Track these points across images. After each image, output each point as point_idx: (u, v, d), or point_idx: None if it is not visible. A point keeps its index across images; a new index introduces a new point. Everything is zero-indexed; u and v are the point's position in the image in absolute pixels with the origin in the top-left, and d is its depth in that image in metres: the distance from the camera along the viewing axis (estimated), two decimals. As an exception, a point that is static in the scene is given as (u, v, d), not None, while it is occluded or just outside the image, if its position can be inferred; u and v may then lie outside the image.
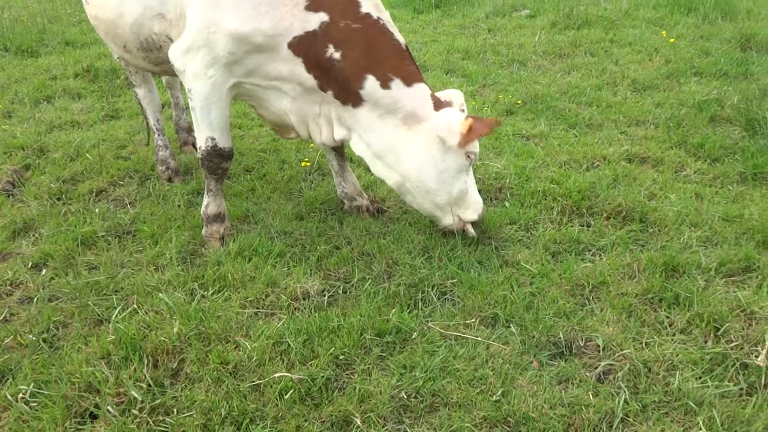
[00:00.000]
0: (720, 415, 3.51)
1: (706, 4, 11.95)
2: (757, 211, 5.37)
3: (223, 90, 4.86)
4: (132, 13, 5.18)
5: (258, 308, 4.51)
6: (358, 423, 3.57)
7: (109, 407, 3.65)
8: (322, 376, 3.84)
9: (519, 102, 8.21)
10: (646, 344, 4.07)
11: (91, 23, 5.89)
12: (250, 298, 4.57)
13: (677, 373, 3.80)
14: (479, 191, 5.78)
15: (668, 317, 4.30)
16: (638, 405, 3.62)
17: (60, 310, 4.56)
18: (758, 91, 7.73)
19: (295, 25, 4.63)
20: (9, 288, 4.90)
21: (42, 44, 11.81)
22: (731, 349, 3.98)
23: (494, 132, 4.74)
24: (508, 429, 3.54)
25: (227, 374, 3.88)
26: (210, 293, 4.64)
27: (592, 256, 5.03)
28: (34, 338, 4.27)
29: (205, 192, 5.35)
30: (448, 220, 5.15)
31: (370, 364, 3.98)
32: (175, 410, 3.67)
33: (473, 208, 5.10)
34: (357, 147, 5.09)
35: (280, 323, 4.29)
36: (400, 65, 4.81)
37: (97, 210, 5.88)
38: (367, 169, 5.80)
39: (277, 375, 3.82)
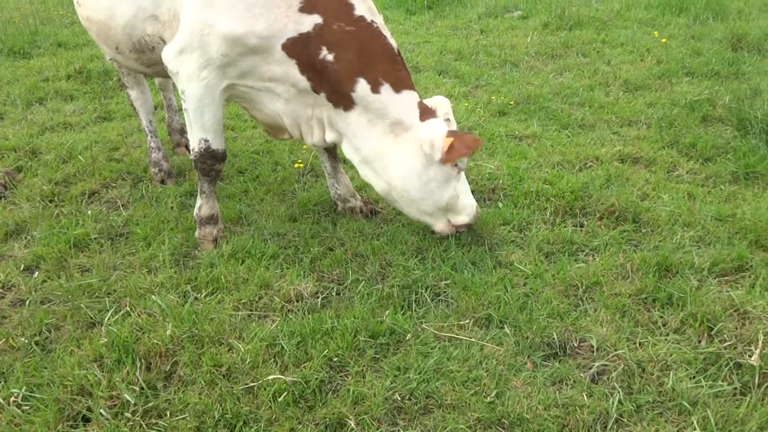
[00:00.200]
0: (714, 414, 3.51)
1: (698, 4, 11.99)
2: (750, 210, 5.38)
3: (217, 92, 4.85)
4: (124, 14, 5.17)
5: (251, 310, 4.50)
6: (352, 425, 3.56)
7: (101, 410, 3.63)
8: (316, 378, 3.83)
9: (511, 103, 8.21)
10: (639, 344, 4.08)
11: (83, 25, 5.87)
12: (243, 300, 4.56)
13: (671, 373, 3.81)
14: (471, 192, 5.80)
15: (662, 317, 4.30)
16: (632, 405, 3.62)
17: (52, 312, 4.55)
18: (749, 91, 7.75)
19: (289, 27, 4.62)
20: (1, 291, 4.88)
21: (34, 46, 11.79)
22: (725, 349, 3.98)
23: (474, 152, 4.70)
24: (503, 430, 3.54)
25: (220, 377, 3.87)
26: (203, 295, 4.63)
27: (585, 256, 5.03)
28: (26, 341, 4.26)
29: (198, 194, 5.34)
30: (439, 227, 5.15)
31: (363, 365, 3.97)
32: (168, 413, 3.66)
33: (465, 213, 5.08)
34: (347, 150, 5.09)
35: (274, 325, 4.28)
36: (391, 70, 4.81)
37: (89, 212, 5.86)
38: (360, 171, 5.80)
39: (270, 377, 3.81)
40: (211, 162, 5.15)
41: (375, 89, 4.75)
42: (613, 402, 3.64)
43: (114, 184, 6.53)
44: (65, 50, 11.57)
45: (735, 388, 3.73)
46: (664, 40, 10.40)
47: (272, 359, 4.00)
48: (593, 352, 4.05)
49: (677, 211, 5.43)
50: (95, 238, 5.43)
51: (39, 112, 8.60)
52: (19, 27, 12.69)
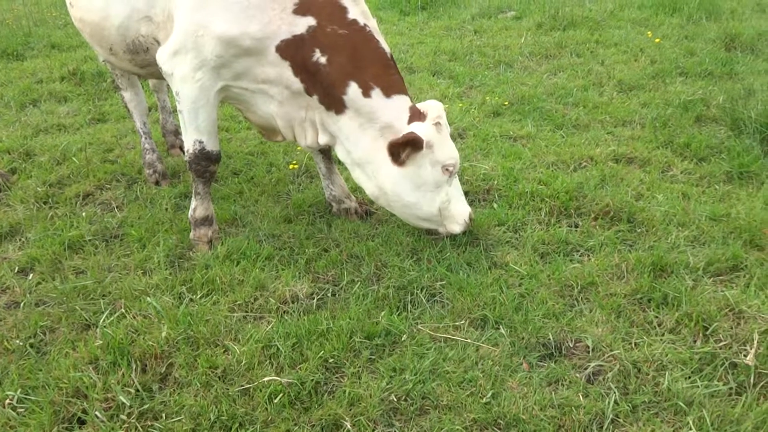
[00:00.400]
0: (710, 414, 3.52)
1: (691, 4, 12.02)
2: (744, 210, 5.39)
3: (211, 93, 4.85)
4: (118, 15, 5.16)
5: (247, 312, 4.50)
6: (348, 426, 3.56)
7: (97, 412, 3.63)
8: (312, 380, 3.83)
9: (506, 103, 8.21)
10: (635, 344, 4.08)
11: (76, 26, 5.85)
12: (238, 302, 4.55)
13: (667, 373, 3.81)
14: (466, 193, 5.84)
15: (657, 317, 4.31)
16: (628, 406, 3.63)
17: (47, 314, 4.54)
18: (743, 91, 7.76)
19: (283, 29, 4.62)
20: (-5, 293, 4.87)
21: (27, 47, 11.76)
22: (720, 349, 3.99)
23: (412, 145, 4.63)
24: (499, 431, 3.54)
25: (216, 378, 3.86)
26: (198, 297, 4.63)
27: (580, 256, 5.04)
28: (21, 343, 4.24)
29: (193, 195, 5.33)
30: (440, 230, 5.16)
31: (359, 367, 3.97)
32: (163, 415, 3.65)
33: (457, 220, 5.07)
34: (340, 152, 5.10)
35: (269, 327, 4.28)
36: (383, 74, 4.80)
37: (84, 214, 5.85)
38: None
39: (266, 379, 3.81)
40: (205, 163, 5.14)
41: (366, 93, 4.74)
42: (608, 402, 3.64)
43: (108, 186, 6.51)
44: (59, 52, 11.55)
45: (730, 388, 3.73)
46: (657, 40, 10.41)
47: (268, 361, 4.00)
48: (589, 352, 4.06)
49: (672, 211, 5.44)
50: (90, 240, 5.42)
51: (33, 113, 8.58)
52: (13, 29, 12.66)
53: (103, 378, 3.84)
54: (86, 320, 4.46)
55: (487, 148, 6.94)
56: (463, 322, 4.35)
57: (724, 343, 4.03)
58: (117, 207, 6.07)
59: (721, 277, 4.70)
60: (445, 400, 3.70)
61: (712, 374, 3.83)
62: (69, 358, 4.03)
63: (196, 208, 5.33)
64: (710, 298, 4.40)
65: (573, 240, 5.18)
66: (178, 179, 6.69)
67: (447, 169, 4.88)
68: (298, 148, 7.09)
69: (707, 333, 4.11)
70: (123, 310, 4.48)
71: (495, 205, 5.74)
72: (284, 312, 4.49)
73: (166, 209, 5.93)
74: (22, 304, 4.67)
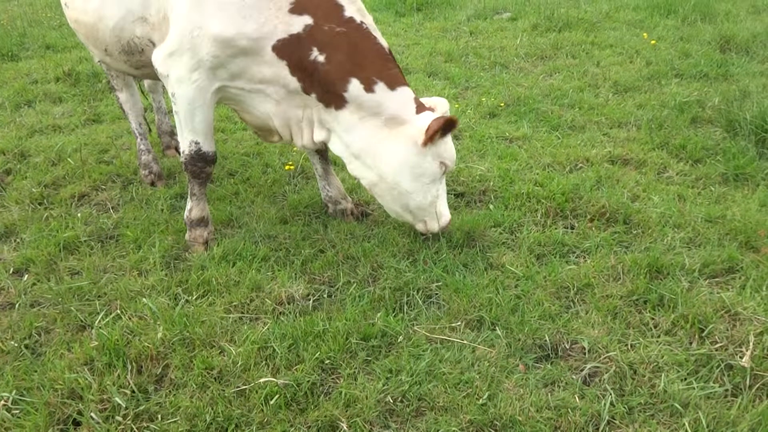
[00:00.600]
0: (706, 416, 3.52)
1: (686, 6, 12.04)
2: (740, 211, 5.40)
3: (207, 94, 4.84)
4: (113, 16, 5.15)
5: (243, 313, 4.49)
6: (344, 428, 3.55)
7: (92, 414, 3.62)
8: (308, 381, 3.82)
9: (502, 104, 8.21)
10: (631, 346, 4.08)
11: (71, 27, 5.85)
12: (234, 303, 4.55)
13: (663, 374, 3.82)
14: (462, 194, 5.85)
15: (653, 319, 4.31)
16: (624, 407, 3.63)
17: (42, 315, 4.53)
18: (738, 93, 7.78)
19: (279, 28, 4.62)
20: (-10, 294, 4.86)
21: (22, 48, 11.74)
22: (716, 351, 3.99)
23: (451, 128, 4.73)
24: (495, 432, 3.55)
25: (212, 380, 3.86)
26: (194, 298, 4.62)
27: (576, 258, 5.04)
28: (15, 344, 4.24)
29: (189, 196, 5.33)
30: (419, 226, 5.18)
31: (355, 368, 3.97)
32: (159, 416, 3.65)
33: (441, 219, 5.11)
34: (335, 147, 5.09)
35: (265, 328, 4.27)
36: (384, 69, 4.83)
37: (79, 215, 5.84)
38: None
39: (262, 380, 3.80)
40: (201, 164, 5.13)
41: (369, 89, 4.76)
42: (605, 404, 3.64)
43: (104, 187, 6.50)
44: (54, 53, 11.53)
45: (726, 390, 3.74)
46: (653, 42, 10.43)
47: (264, 362, 3.99)
48: (585, 353, 4.06)
49: (668, 212, 5.45)
50: (85, 241, 5.41)
51: (28, 114, 8.57)
52: (7, 29, 12.63)
53: (99, 379, 3.83)
54: (81, 321, 4.46)
55: (483, 149, 6.94)
56: (459, 323, 4.35)
57: (720, 344, 4.04)
58: (112, 208, 6.06)
59: (716, 279, 4.71)
60: (442, 402, 3.69)
61: (708, 376, 3.83)
62: (64, 359, 4.03)
63: (192, 209, 5.32)
64: (706, 300, 4.40)
65: (569, 241, 5.18)
66: (173, 180, 6.68)
67: (445, 165, 4.95)
68: (294, 148, 7.08)
69: (703, 335, 4.12)
70: (118, 311, 4.47)
71: (491, 207, 5.74)
72: (280, 313, 4.49)
73: (162, 210, 5.92)
74: (17, 305, 4.66)
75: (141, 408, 3.68)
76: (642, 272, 4.70)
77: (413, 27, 12.69)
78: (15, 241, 5.53)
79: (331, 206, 5.76)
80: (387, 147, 4.88)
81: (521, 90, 8.72)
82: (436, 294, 4.66)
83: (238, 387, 3.80)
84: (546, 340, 4.15)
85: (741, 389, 3.73)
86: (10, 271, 5.09)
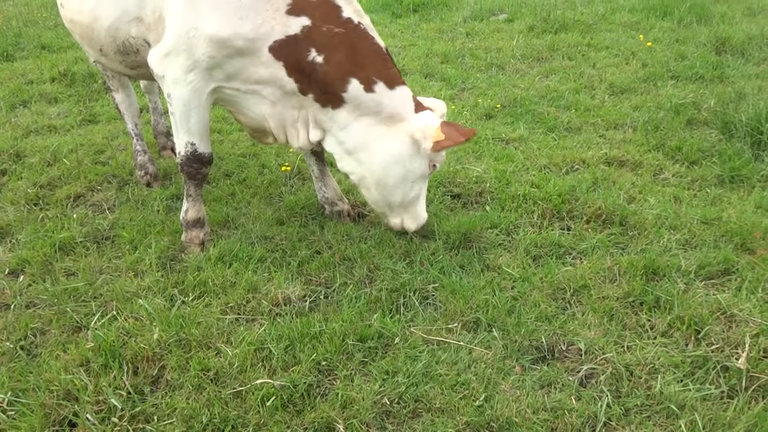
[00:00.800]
0: (702, 418, 3.52)
1: (681, 8, 12.06)
2: (735, 213, 5.41)
3: (203, 95, 4.83)
4: (108, 16, 5.14)
5: (239, 314, 4.49)
6: (341, 429, 3.55)
7: (88, 415, 3.61)
8: (304, 383, 3.82)
9: (498, 106, 8.22)
10: (627, 348, 4.09)
11: (66, 27, 5.83)
12: (230, 304, 4.54)
13: (659, 376, 3.82)
14: (458, 195, 5.85)
15: (649, 320, 4.32)
16: (621, 409, 3.63)
17: (38, 316, 4.52)
18: (734, 95, 7.80)
19: (276, 29, 4.61)
20: (-14, 295, 4.85)
21: (18, 48, 11.71)
22: (712, 352, 4.00)
23: (468, 142, 4.79)
24: (492, 434, 3.55)
25: (208, 381, 3.85)
26: (190, 299, 4.61)
27: (572, 259, 5.05)
28: (11, 345, 4.22)
29: (185, 197, 5.32)
30: (394, 221, 5.26)
31: (352, 369, 3.97)
32: (155, 418, 3.64)
33: (417, 220, 5.21)
34: (329, 143, 5.11)
35: (262, 329, 4.27)
36: (383, 68, 4.84)
37: (75, 215, 5.82)
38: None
39: (258, 381, 3.80)
40: (197, 165, 5.13)
41: (369, 88, 4.78)
42: (601, 405, 3.65)
43: (100, 187, 6.49)
44: (49, 53, 11.50)
45: (722, 392, 3.75)
46: (649, 44, 10.44)
47: (260, 363, 3.99)
48: (581, 355, 4.06)
49: (664, 214, 5.45)
50: (81, 242, 5.39)
51: (23, 114, 8.55)
52: (2, 29, 12.60)
53: (95, 380, 3.83)
54: (77, 322, 4.45)
55: (479, 150, 6.94)
56: (455, 324, 4.35)
57: (716, 346, 4.05)
58: (108, 209, 6.05)
59: (712, 281, 4.72)
60: (438, 403, 3.69)
61: (704, 377, 3.84)
62: (60, 360, 4.02)
63: (188, 210, 5.31)
64: (702, 302, 4.41)
65: (565, 243, 5.18)
66: (169, 181, 6.67)
67: (434, 166, 5.04)
68: (291, 150, 7.08)
69: (699, 336, 4.13)
70: (114, 312, 4.46)
71: (487, 208, 5.74)
72: (277, 314, 4.49)
73: (158, 211, 5.91)
74: (12, 306, 4.65)
75: (137, 409, 3.68)
76: (638, 274, 4.71)
77: (410, 28, 12.69)
78: (10, 241, 5.51)
79: (327, 207, 5.76)
80: (384, 143, 4.91)
81: (517, 91, 8.72)
82: (433, 295, 4.66)
83: (235, 388, 3.80)
84: (542, 342, 4.16)
85: (737, 391, 3.74)
86: (6, 272, 5.07)
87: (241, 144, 7.50)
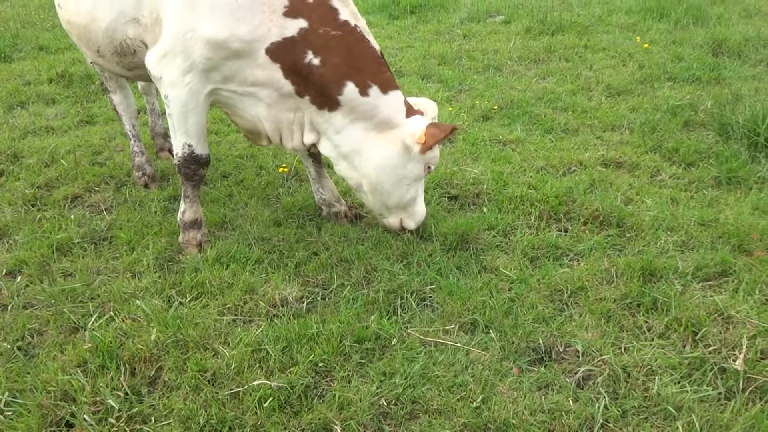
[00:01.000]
0: (699, 419, 3.53)
1: (678, 9, 12.07)
2: (732, 215, 5.42)
3: (201, 97, 4.83)
4: (105, 17, 5.14)
5: (236, 315, 4.48)
6: (338, 430, 3.56)
7: (85, 416, 3.61)
8: (302, 384, 3.82)
9: (495, 107, 8.22)
10: (625, 349, 4.09)
11: (64, 28, 5.83)
12: (228, 305, 4.54)
13: (656, 378, 3.83)
14: (456, 197, 5.86)
15: (646, 322, 4.32)
16: (618, 410, 3.64)
17: (35, 317, 4.51)
18: (731, 96, 7.81)
19: (273, 31, 4.61)
20: (-17, 296, 4.84)
21: (15, 49, 11.69)
22: (709, 354, 4.01)
23: (452, 137, 4.82)
24: (489, 435, 3.55)
25: (205, 382, 3.85)
26: (187, 300, 4.61)
27: (570, 261, 5.05)
28: (8, 346, 4.22)
29: (182, 198, 5.32)
30: (392, 221, 5.30)
31: (349, 371, 3.96)
32: (152, 419, 3.64)
33: (415, 218, 5.27)
34: (324, 147, 5.14)
35: (259, 330, 4.27)
36: (378, 72, 4.86)
37: (72, 216, 5.82)
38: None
39: (256, 383, 3.80)
40: (194, 167, 5.13)
41: (363, 92, 4.81)
42: (598, 407, 3.65)
43: (97, 188, 6.48)
44: (47, 54, 11.48)
45: (719, 393, 3.76)
46: (645, 45, 10.46)
47: (257, 364, 3.99)
48: (579, 357, 4.06)
49: (661, 215, 5.46)
50: (78, 243, 5.39)
51: (21, 116, 8.54)
52: (0, 31, 12.58)
53: (92, 381, 3.82)
54: (74, 323, 4.45)
55: (476, 152, 6.95)
56: (453, 326, 4.35)
57: (713, 348, 4.05)
58: (106, 209, 6.05)
59: (709, 282, 4.72)
60: (435, 405, 3.70)
61: (702, 379, 3.85)
62: (57, 361, 4.02)
63: (185, 211, 5.31)
64: (699, 303, 4.42)
65: (562, 244, 5.19)
66: (167, 182, 6.67)
67: (429, 167, 5.08)
68: (287, 151, 7.07)
69: (696, 338, 4.13)
70: (112, 313, 4.46)
71: (485, 210, 5.74)
72: (274, 315, 4.49)
73: (155, 212, 5.91)
74: (9, 307, 4.64)
75: (134, 410, 3.68)
76: (635, 275, 4.71)
77: (407, 30, 12.69)
78: (7, 242, 5.51)
79: (324, 209, 5.77)
80: (377, 149, 4.96)
81: (514, 93, 8.73)
82: (430, 297, 4.67)
83: (232, 389, 3.80)
84: (540, 343, 4.16)
85: (734, 392, 3.75)
86: (3, 273, 5.07)
87: (238, 145, 7.50)
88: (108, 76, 6.51)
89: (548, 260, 5.03)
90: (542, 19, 11.99)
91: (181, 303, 4.59)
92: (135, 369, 3.97)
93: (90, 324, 4.36)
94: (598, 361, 4.00)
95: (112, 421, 3.61)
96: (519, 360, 4.06)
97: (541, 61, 10.27)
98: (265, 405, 3.67)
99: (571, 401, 3.71)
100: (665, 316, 4.33)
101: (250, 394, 3.74)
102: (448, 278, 4.79)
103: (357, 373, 3.97)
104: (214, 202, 6.10)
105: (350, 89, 4.78)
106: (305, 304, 4.62)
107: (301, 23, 4.64)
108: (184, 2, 4.62)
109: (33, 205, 6.11)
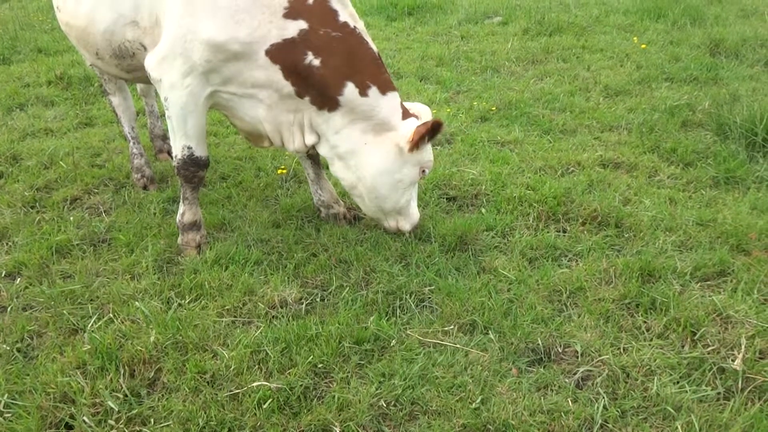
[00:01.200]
0: (698, 419, 3.54)
1: (675, 10, 12.08)
2: (730, 215, 5.42)
3: (200, 99, 4.84)
4: (104, 20, 5.14)
5: (235, 317, 4.49)
6: None
7: (84, 418, 3.62)
8: (301, 385, 3.82)
9: (493, 108, 8.23)
10: (624, 350, 4.10)
11: (62, 30, 5.83)
12: (227, 307, 4.54)
13: (655, 378, 3.83)
14: (454, 198, 5.87)
15: (645, 322, 4.33)
16: (617, 411, 3.64)
17: (34, 319, 4.51)
18: (728, 96, 7.83)
19: (273, 33, 4.62)
20: (-18, 298, 4.84)
21: (14, 51, 11.68)
22: (708, 354, 4.01)
23: (437, 131, 4.81)
24: (488, 436, 3.55)
25: (205, 383, 3.85)
26: (187, 302, 4.61)
27: (568, 261, 5.06)
28: (8, 348, 4.22)
29: (181, 200, 5.32)
30: (389, 224, 5.34)
31: (348, 372, 3.97)
32: (152, 420, 3.65)
33: (410, 220, 5.31)
34: (323, 148, 5.15)
35: (258, 332, 4.27)
36: (377, 74, 4.88)
37: (71, 218, 5.82)
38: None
39: (255, 384, 3.80)
40: (194, 169, 5.13)
41: (363, 92, 4.83)
42: (597, 407, 3.66)
43: (96, 190, 6.48)
44: (45, 56, 11.47)
45: (718, 393, 3.76)
46: (643, 46, 10.47)
47: (257, 366, 3.99)
48: (578, 357, 4.07)
49: (659, 216, 5.47)
50: (77, 245, 5.39)
51: (20, 117, 8.53)
52: (-1, 32, 12.60)
53: (91, 383, 3.83)
54: (74, 325, 4.44)
55: (474, 153, 6.96)
56: (452, 327, 4.36)
57: (712, 347, 4.06)
58: (105, 211, 6.05)
59: (708, 282, 4.73)
60: (435, 406, 3.70)
61: (701, 379, 3.85)
62: (56, 362, 4.02)
63: (184, 212, 5.31)
64: (698, 303, 4.42)
65: (561, 245, 5.19)
66: (166, 184, 6.67)
67: (423, 171, 5.12)
68: (287, 153, 7.07)
69: (695, 338, 4.14)
70: (111, 315, 4.46)
71: (483, 210, 5.75)
72: (273, 317, 4.49)
73: (154, 214, 5.91)
74: (9, 309, 4.65)
75: (134, 412, 3.68)
76: (634, 276, 4.72)
77: (405, 31, 12.69)
78: (7, 244, 5.50)
79: (323, 210, 5.77)
80: (372, 151, 4.99)
81: (512, 94, 8.73)
82: (429, 298, 4.67)
83: (231, 391, 3.80)
84: (539, 344, 4.17)
85: (733, 392, 3.76)
86: (2, 275, 5.07)
87: (237, 147, 7.50)
88: (107, 79, 6.50)
89: (547, 261, 5.03)
90: (540, 21, 12.00)
91: (180, 304, 4.59)
92: (134, 370, 3.97)
93: (89, 326, 4.36)
94: (597, 361, 4.01)
95: (112, 422, 3.61)
96: (518, 361, 4.06)
97: (538, 62, 10.28)
98: (265, 406, 3.68)
99: (570, 402, 3.72)
100: (664, 316, 4.34)
101: (250, 396, 3.74)
102: (447, 279, 4.79)
103: (356, 374, 3.97)
104: (213, 203, 6.10)
105: (350, 90, 4.80)
106: (304, 305, 4.62)
107: (302, 24, 4.65)
108: (183, 5, 4.62)
109: (32, 207, 6.11)
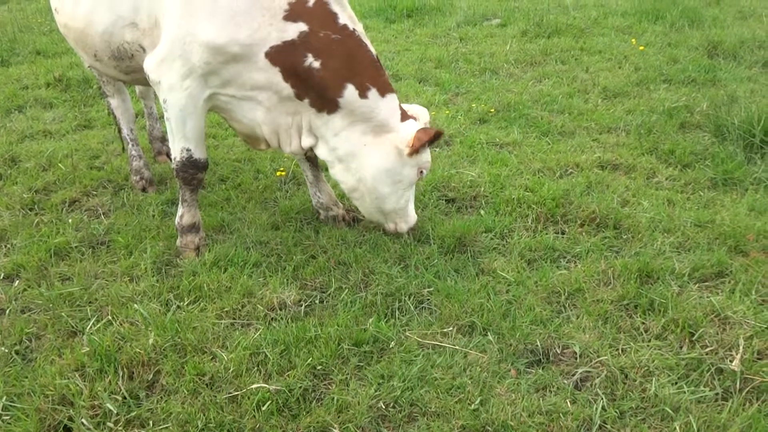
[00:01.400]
0: (696, 420, 3.54)
1: (673, 12, 12.09)
2: (728, 216, 5.43)
3: (199, 101, 4.84)
4: (102, 21, 5.13)
5: (234, 319, 4.49)
6: (337, 433, 3.57)
7: (83, 420, 3.61)
8: (300, 387, 3.83)
9: (492, 110, 8.23)
10: (622, 351, 4.10)
11: (61, 32, 5.83)
12: (226, 309, 4.54)
13: (653, 379, 3.84)
14: (453, 200, 5.87)
15: (644, 323, 4.33)
16: (616, 412, 3.64)
17: (33, 321, 4.52)
18: (726, 98, 7.82)
19: (273, 35, 4.62)
20: (-20, 300, 4.84)
21: (13, 53, 11.68)
22: (706, 354, 4.02)
23: (437, 139, 4.85)
24: (487, 437, 3.55)
25: (204, 386, 3.85)
26: (185, 304, 4.61)
27: (567, 263, 5.06)
28: (6, 350, 4.22)
29: (180, 202, 5.32)
30: (388, 226, 5.38)
31: (347, 374, 3.97)
32: (150, 422, 3.65)
33: (408, 221, 5.35)
34: (321, 150, 5.16)
35: (257, 334, 4.27)
36: (376, 76, 4.89)
37: (70, 220, 5.82)
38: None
39: (254, 386, 3.80)
40: (193, 171, 5.13)
41: (363, 94, 4.83)
42: (596, 408, 3.66)
43: (95, 192, 6.49)
44: (44, 58, 11.47)
45: (717, 394, 3.77)
46: (641, 48, 10.47)
47: (256, 368, 3.99)
48: (576, 358, 4.07)
49: (657, 217, 5.47)
50: (76, 247, 5.39)
51: (18, 120, 8.53)
52: (-3, 35, 12.60)
53: (90, 385, 3.83)
54: (72, 327, 4.45)
55: (473, 155, 6.96)
56: (450, 328, 4.36)
57: (710, 348, 4.07)
58: (103, 213, 6.05)
59: (706, 283, 4.74)
60: (434, 407, 3.70)
61: (699, 380, 3.86)
62: (55, 365, 4.02)
63: (183, 215, 5.31)
64: (696, 304, 4.43)
65: (560, 246, 5.20)
66: (165, 186, 6.67)
67: (422, 172, 5.14)
68: (286, 155, 7.07)
69: (693, 339, 4.14)
70: (110, 317, 4.46)
71: (482, 212, 5.75)
72: (272, 319, 4.49)
73: (153, 216, 5.91)
74: (7, 311, 4.65)
75: (132, 414, 3.68)
76: (632, 277, 4.72)
77: (403, 33, 12.70)
78: (5, 246, 5.51)
79: (322, 212, 5.77)
80: (372, 152, 5.00)
81: (511, 96, 8.74)
82: (428, 299, 4.67)
83: (230, 393, 3.80)
84: (537, 345, 4.17)
85: (731, 393, 3.76)
86: (1, 277, 5.07)
87: (236, 149, 7.50)
88: (106, 80, 6.50)
89: (545, 262, 5.04)
90: (538, 22, 12.00)
91: (179, 307, 4.59)
92: (133, 373, 3.97)
93: (88, 328, 4.36)
94: (596, 362, 4.01)
95: (110, 425, 3.61)
96: (517, 362, 4.06)
97: (537, 64, 10.28)
98: (264, 408, 3.68)
99: (568, 403, 3.72)
100: (662, 317, 4.34)
101: (249, 398, 3.74)
102: (446, 281, 4.80)
103: (355, 376, 3.98)
104: (212, 205, 6.11)
105: (350, 92, 4.80)
106: (303, 307, 4.62)
107: (302, 27, 4.65)
108: (182, 6, 4.62)
109: (31, 210, 6.11)
